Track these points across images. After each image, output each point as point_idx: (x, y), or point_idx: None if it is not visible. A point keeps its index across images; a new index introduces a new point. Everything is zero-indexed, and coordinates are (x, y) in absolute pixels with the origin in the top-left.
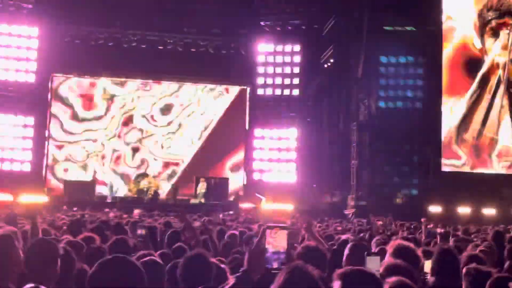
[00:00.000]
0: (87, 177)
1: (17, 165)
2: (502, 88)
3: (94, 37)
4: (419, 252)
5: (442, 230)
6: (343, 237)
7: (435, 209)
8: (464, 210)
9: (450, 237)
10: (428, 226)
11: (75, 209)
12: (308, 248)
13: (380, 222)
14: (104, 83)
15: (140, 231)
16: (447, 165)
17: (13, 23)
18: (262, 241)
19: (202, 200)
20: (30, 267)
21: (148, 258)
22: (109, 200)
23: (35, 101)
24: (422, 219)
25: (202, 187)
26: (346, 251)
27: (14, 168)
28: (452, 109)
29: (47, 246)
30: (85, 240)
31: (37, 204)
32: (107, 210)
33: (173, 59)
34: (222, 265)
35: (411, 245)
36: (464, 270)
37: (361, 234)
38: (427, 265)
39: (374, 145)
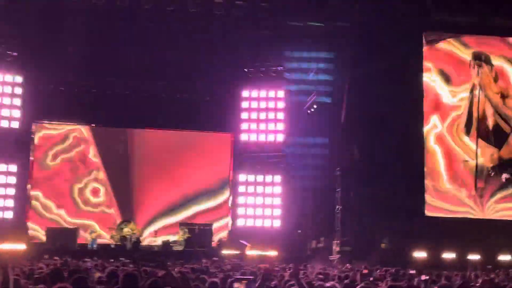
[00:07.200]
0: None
1: None
2: None
3: (78, 84)
4: None
5: (427, 277)
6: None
7: (419, 254)
8: (449, 255)
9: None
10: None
11: (55, 258)
12: None
13: (366, 271)
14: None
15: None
16: (432, 209)
17: None
18: None
19: (181, 248)
20: None
21: None
22: (92, 248)
23: (18, 148)
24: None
25: (184, 234)
26: None
27: None
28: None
29: None
30: None
31: (12, 251)
32: (87, 259)
33: (157, 106)
34: None
35: None
36: None
37: (345, 281)
38: None
39: (358, 191)
